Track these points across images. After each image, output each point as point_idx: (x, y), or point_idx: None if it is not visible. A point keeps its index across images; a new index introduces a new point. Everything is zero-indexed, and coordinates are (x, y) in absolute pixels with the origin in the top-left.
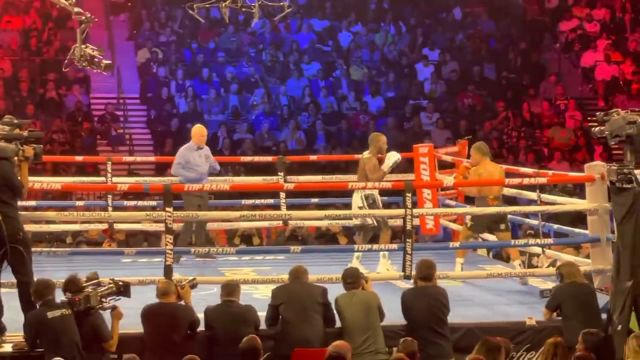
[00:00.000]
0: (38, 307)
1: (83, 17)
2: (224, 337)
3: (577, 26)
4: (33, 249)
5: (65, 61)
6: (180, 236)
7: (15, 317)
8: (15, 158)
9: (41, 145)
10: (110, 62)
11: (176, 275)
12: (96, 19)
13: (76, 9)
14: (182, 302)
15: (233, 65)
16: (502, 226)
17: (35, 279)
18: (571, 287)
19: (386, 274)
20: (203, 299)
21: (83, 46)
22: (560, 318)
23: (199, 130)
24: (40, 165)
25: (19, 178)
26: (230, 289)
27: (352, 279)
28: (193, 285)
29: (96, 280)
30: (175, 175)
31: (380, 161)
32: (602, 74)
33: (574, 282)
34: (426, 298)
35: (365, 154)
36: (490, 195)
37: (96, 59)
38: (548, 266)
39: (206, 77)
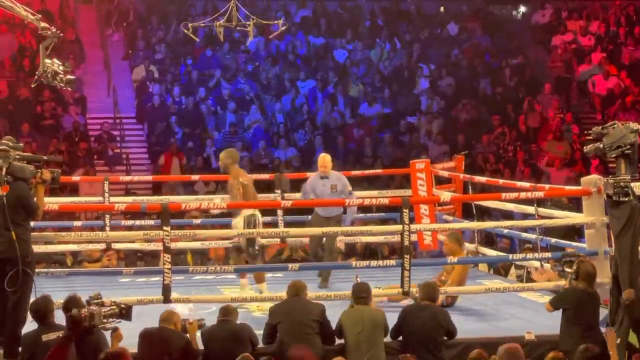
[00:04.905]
0: (37, 327)
1: (49, 32)
2: (220, 356)
3: (571, 40)
4: None
5: (35, 78)
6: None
7: None
8: (33, 180)
9: (59, 170)
10: (74, 77)
11: (186, 312)
12: (62, 34)
13: (42, 24)
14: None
15: (229, 83)
16: None
17: (31, 299)
18: (583, 294)
19: (385, 291)
20: (202, 317)
21: (49, 61)
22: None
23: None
24: None
25: (34, 200)
26: (227, 310)
27: (365, 294)
28: (200, 325)
29: (99, 300)
30: None
31: None
32: (597, 87)
33: (586, 289)
34: (425, 316)
35: (240, 178)
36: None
37: (60, 75)
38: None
39: (202, 95)
